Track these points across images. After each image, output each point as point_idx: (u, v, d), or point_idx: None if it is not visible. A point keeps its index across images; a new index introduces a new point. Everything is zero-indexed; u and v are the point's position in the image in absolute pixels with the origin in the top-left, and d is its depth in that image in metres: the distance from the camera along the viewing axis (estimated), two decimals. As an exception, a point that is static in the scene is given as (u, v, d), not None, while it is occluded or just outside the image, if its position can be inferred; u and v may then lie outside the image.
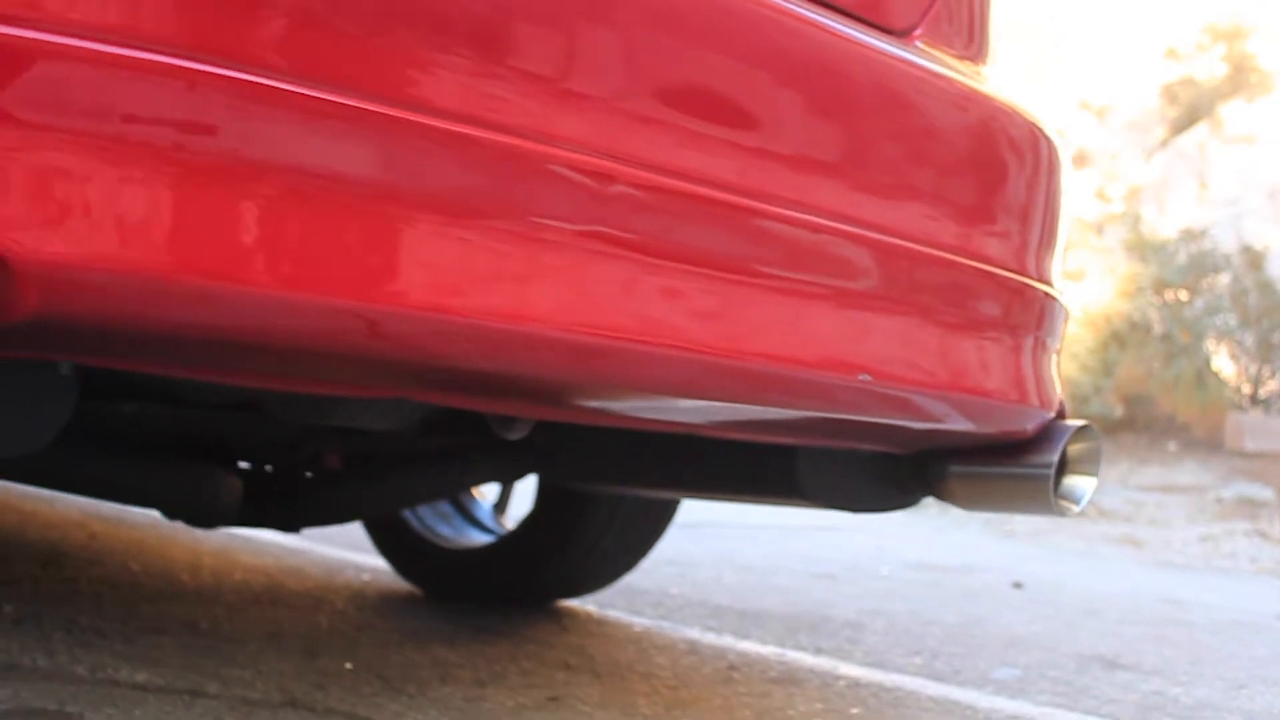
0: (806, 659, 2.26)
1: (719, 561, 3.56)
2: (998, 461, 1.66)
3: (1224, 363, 9.53)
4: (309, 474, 2.03)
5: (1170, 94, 16.71)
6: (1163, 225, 12.57)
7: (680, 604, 2.77)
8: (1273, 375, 9.46)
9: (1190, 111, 16.45)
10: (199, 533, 3.03)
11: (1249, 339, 9.44)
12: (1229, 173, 16.32)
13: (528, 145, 1.09)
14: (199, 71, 0.92)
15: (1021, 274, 1.57)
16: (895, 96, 1.44)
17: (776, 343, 1.28)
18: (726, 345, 1.23)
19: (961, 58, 1.64)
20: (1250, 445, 6.53)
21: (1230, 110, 16.69)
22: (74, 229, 0.88)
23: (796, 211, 1.28)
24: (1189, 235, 10.18)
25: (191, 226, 0.92)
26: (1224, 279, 9.70)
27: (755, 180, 1.26)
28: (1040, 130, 1.61)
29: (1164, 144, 16.61)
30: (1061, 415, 1.69)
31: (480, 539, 2.53)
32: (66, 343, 0.96)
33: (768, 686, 2.00)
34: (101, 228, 0.89)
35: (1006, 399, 1.54)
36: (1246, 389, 9.42)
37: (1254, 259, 9.74)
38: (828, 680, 2.08)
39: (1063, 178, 1.65)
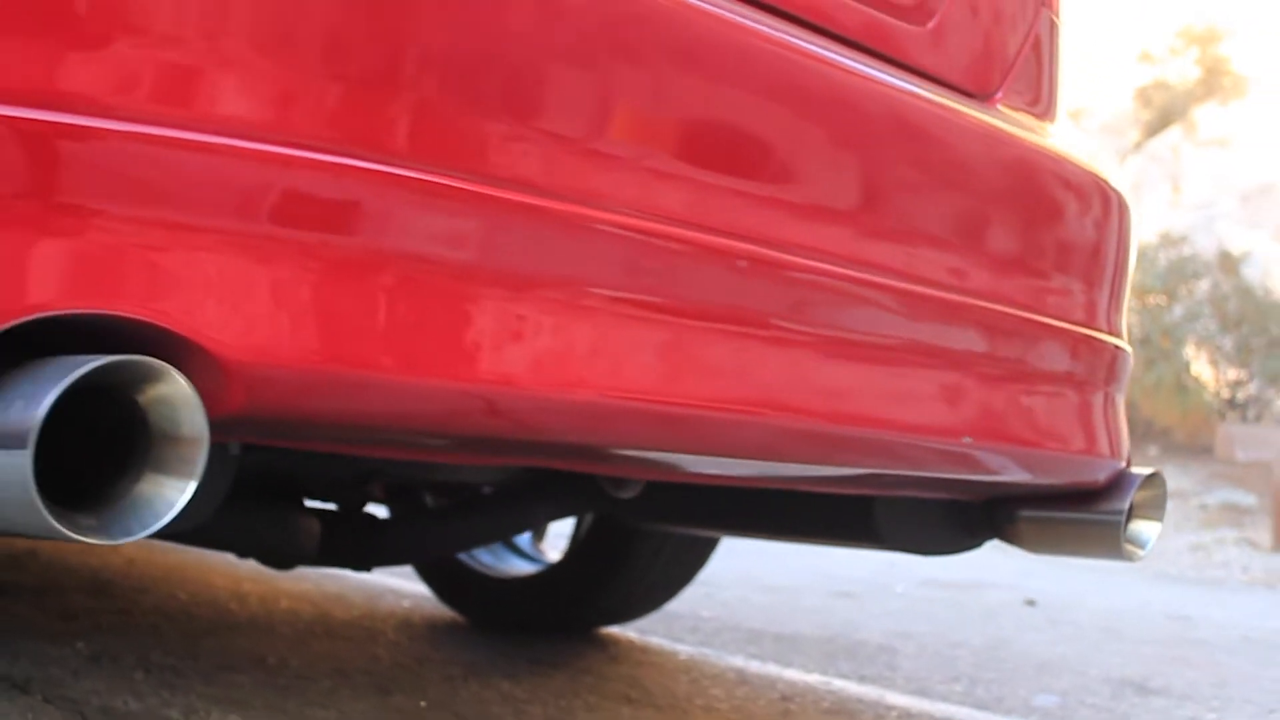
0: (852, 687, 2.30)
1: (743, 581, 3.61)
2: (1068, 507, 1.70)
3: (1203, 368, 9.64)
4: (387, 513, 2.07)
5: (1144, 97, 16.85)
6: (1138, 229, 12.69)
7: (716, 628, 2.81)
8: (1251, 379, 9.57)
9: (1164, 115, 16.59)
10: (233, 557, 3.06)
11: (1228, 344, 9.55)
12: (1203, 176, 16.47)
13: (680, 233, 1.13)
14: (367, 170, 0.96)
15: (1100, 330, 1.62)
16: (989, 164, 1.49)
17: (893, 410, 1.32)
18: (850, 416, 1.27)
19: (1036, 116, 1.68)
20: (1241, 455, 6.62)
21: (1204, 113, 16.84)
22: (280, 331, 0.92)
23: (912, 283, 1.33)
24: (1168, 240, 10.29)
25: (364, 322, 0.96)
26: (1203, 284, 9.81)
27: (871, 253, 1.31)
28: (1111, 186, 1.66)
29: (1138, 147, 16.75)
30: (1128, 461, 1.74)
31: (524, 567, 2.57)
32: (248, 429, 1.00)
33: (824, 718, 2.04)
34: (304, 327, 0.93)
35: (1087, 453, 1.59)
36: (1225, 394, 9.53)
37: (1230, 264, 9.85)
38: (880, 711, 2.13)
39: (1131, 231, 1.70)
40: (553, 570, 2.51)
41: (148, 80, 0.89)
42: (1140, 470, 1.70)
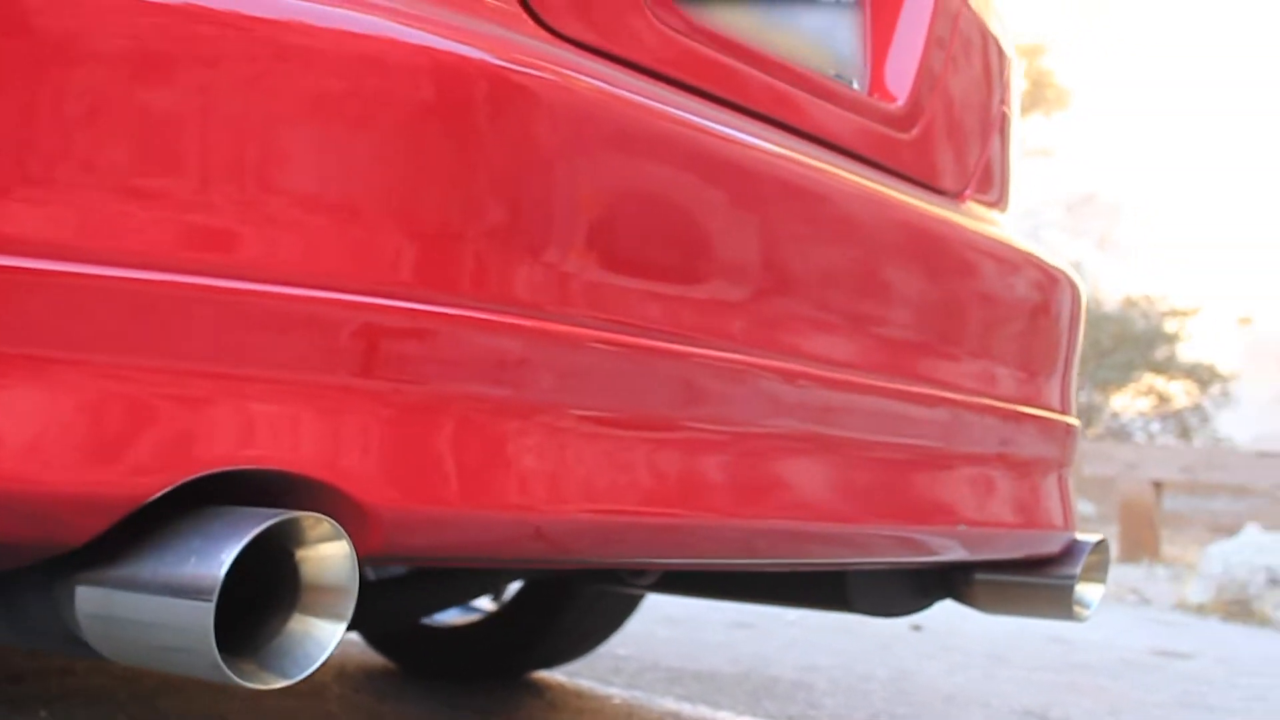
0: (786, 730, 2.41)
1: (644, 613, 3.69)
2: (1022, 572, 1.82)
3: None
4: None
5: (972, 109, 17.31)
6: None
7: (637, 667, 2.89)
8: (1082, 389, 9.96)
9: (991, 126, 17.08)
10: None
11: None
12: (1027, 185, 17.03)
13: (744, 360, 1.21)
14: (501, 323, 1.03)
15: (1060, 413, 1.74)
16: (969, 264, 1.59)
17: (903, 507, 1.42)
18: (873, 517, 1.37)
19: (994, 207, 1.80)
20: (1087, 471, 6.94)
21: (1028, 124, 17.40)
22: (417, 479, 0.98)
23: (922, 387, 1.43)
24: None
25: (490, 467, 1.02)
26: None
27: (879, 359, 1.41)
28: (1068, 276, 1.78)
29: (966, 157, 17.20)
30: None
31: (459, 616, 2.62)
32: (369, 562, 1.05)
33: (773, 765, 2.14)
34: (436, 475, 0.99)
35: (1049, 528, 1.72)
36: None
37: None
38: (821, 756, 2.23)
39: (1082, 315, 1.83)
40: (488, 619, 2.57)
41: (302, 247, 0.95)
42: (1089, 538, 1.83)
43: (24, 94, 0.88)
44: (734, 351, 1.22)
